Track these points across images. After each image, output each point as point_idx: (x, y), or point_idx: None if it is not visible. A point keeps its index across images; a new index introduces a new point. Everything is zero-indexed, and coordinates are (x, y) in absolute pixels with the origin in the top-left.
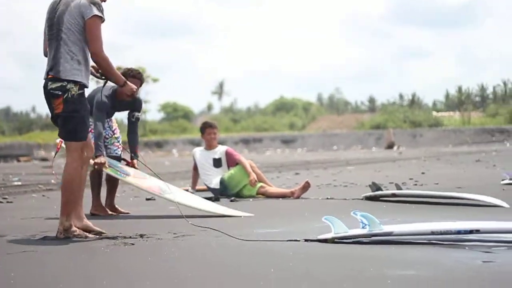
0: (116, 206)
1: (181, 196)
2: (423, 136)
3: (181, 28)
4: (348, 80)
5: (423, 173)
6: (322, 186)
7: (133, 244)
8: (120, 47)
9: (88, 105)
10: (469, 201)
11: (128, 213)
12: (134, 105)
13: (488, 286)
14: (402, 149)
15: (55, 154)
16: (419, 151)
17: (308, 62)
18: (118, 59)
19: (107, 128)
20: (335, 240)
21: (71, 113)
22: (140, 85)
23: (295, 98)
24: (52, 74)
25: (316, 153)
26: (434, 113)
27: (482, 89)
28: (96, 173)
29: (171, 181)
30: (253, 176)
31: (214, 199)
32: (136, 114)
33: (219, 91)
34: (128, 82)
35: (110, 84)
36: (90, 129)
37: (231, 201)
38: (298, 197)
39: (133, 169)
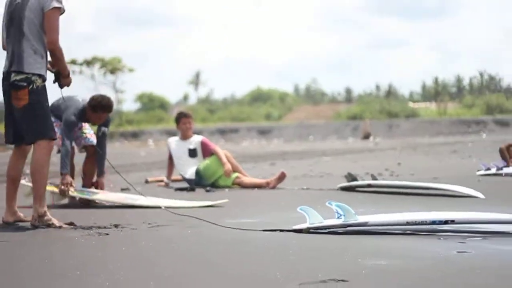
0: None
1: (155, 200)
2: (399, 127)
3: (157, 18)
4: (324, 71)
5: (399, 163)
6: (298, 177)
7: (107, 234)
8: (96, 37)
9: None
10: (445, 191)
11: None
12: (104, 122)
13: (463, 276)
14: (378, 139)
15: None
16: (395, 142)
17: (285, 53)
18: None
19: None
20: (310, 230)
21: (36, 104)
22: (110, 112)
23: (272, 89)
24: (15, 69)
25: (292, 143)
26: (411, 104)
27: (459, 80)
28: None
29: (147, 171)
30: (228, 166)
31: (190, 189)
32: (103, 129)
33: (196, 81)
34: (71, 74)
35: (75, 102)
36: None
37: (207, 191)
38: (273, 187)
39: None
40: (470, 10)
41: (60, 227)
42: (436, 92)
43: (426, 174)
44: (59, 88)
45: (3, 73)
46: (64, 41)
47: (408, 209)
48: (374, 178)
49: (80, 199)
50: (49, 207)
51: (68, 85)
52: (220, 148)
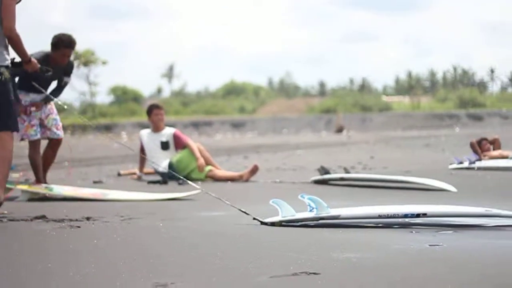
0: None
1: (124, 194)
2: (372, 121)
3: (131, 10)
4: (298, 64)
5: (372, 157)
6: (271, 170)
7: (79, 227)
8: (69, 29)
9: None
10: (417, 185)
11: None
12: (66, 68)
13: (434, 269)
14: (352, 133)
15: None
16: (369, 136)
17: (259, 46)
18: None
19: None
20: (283, 223)
21: (1, 96)
22: (73, 49)
23: (246, 82)
24: None
25: (266, 137)
26: (384, 97)
27: (432, 74)
28: None
29: (120, 164)
30: (201, 161)
31: (162, 182)
32: (66, 79)
33: (169, 74)
34: (32, 59)
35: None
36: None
37: (179, 184)
38: (246, 180)
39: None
40: (444, 4)
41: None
42: (409, 86)
43: (399, 167)
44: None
45: None
46: (36, 33)
47: (381, 202)
48: (347, 171)
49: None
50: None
51: (32, 70)
52: (194, 141)
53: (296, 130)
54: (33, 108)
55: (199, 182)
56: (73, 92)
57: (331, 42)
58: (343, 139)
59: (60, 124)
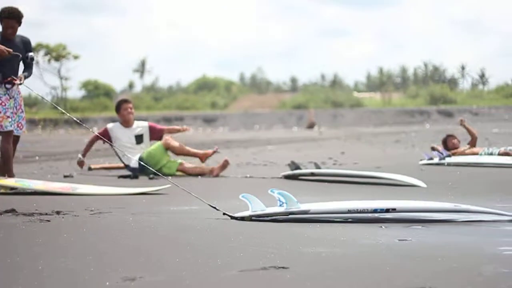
0: None
1: (94, 189)
2: (344, 117)
3: (104, 5)
4: (270, 60)
5: (342, 153)
6: (242, 165)
7: (49, 221)
8: (41, 24)
9: None
10: (387, 180)
11: None
12: (24, 44)
13: (403, 264)
14: (323, 129)
15: None
16: (340, 131)
17: (230, 41)
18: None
19: (16, 102)
20: (252, 218)
21: None
22: (19, 23)
23: (217, 77)
24: None
25: (237, 132)
26: (355, 93)
27: (403, 70)
28: None
29: (91, 158)
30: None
31: (133, 176)
32: (30, 54)
33: (141, 69)
34: None
35: None
36: None
37: (150, 178)
38: (217, 175)
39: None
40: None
41: None
42: (380, 82)
43: (369, 163)
44: None
45: None
46: None
47: (351, 197)
48: (317, 166)
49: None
50: None
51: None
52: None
53: (267, 125)
54: (8, 85)
55: (170, 177)
56: (45, 86)
57: (303, 38)
58: (314, 135)
59: (23, 122)
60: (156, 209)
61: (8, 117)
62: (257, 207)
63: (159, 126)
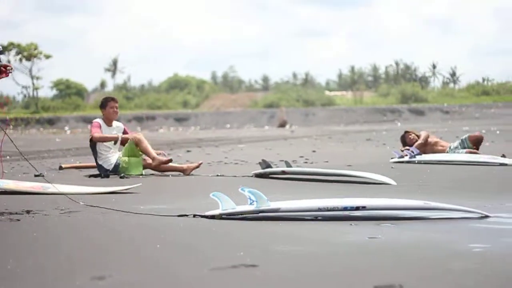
0: None
1: (65, 188)
2: (315, 115)
3: (75, 4)
4: (242, 59)
5: (314, 151)
6: (213, 164)
7: (18, 220)
8: (13, 23)
9: None
10: (358, 178)
11: None
12: None
13: (373, 261)
14: (295, 127)
15: None
16: (311, 130)
17: (203, 40)
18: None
19: None
20: (223, 216)
21: None
22: None
23: (189, 76)
24: None
25: (209, 131)
26: (327, 92)
27: (375, 69)
28: None
29: (62, 158)
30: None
31: (104, 175)
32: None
33: (113, 68)
34: None
35: None
36: None
37: (121, 177)
38: (188, 174)
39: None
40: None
41: None
42: (352, 81)
43: (340, 161)
44: None
45: None
46: None
47: (321, 195)
48: (288, 165)
49: None
50: None
51: None
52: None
53: (239, 124)
54: None
55: (140, 176)
56: (17, 86)
57: (275, 37)
58: (286, 133)
59: None
60: (126, 208)
61: None
62: (228, 205)
63: (130, 132)
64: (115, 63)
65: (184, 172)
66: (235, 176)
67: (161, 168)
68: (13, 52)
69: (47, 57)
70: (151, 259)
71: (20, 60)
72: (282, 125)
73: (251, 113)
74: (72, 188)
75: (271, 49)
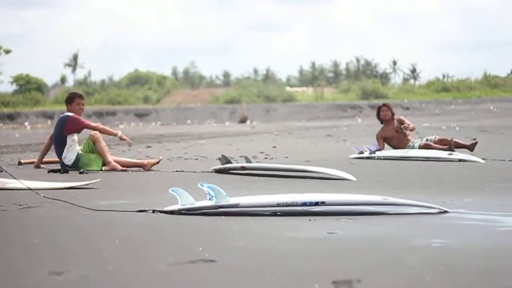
0: None
1: (24, 183)
2: (276, 111)
3: None
4: (203, 54)
5: (274, 147)
6: (173, 159)
7: None
8: None
9: None
10: (318, 174)
11: None
12: None
13: (331, 256)
14: (255, 123)
15: None
16: (272, 126)
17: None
18: None
19: None
20: (182, 211)
21: None
22: None
23: (150, 72)
24: None
25: (169, 127)
26: (288, 88)
27: (335, 65)
28: None
29: (21, 153)
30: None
31: (63, 171)
32: None
33: (73, 63)
34: None
35: None
36: None
37: (80, 173)
38: (148, 170)
39: None
40: None
41: None
42: (313, 77)
43: (300, 157)
44: None
45: None
46: None
47: (281, 191)
48: (248, 160)
49: None
50: None
51: None
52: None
53: (200, 120)
54: None
55: (100, 172)
56: None
57: (236, 32)
58: (246, 129)
59: None
60: (85, 203)
61: None
62: (187, 201)
63: None
64: (75, 58)
65: (144, 167)
66: (194, 171)
67: (121, 163)
68: None
69: (7, 52)
70: (110, 255)
71: None
72: (243, 121)
73: (212, 109)
74: (31, 183)
75: (232, 44)
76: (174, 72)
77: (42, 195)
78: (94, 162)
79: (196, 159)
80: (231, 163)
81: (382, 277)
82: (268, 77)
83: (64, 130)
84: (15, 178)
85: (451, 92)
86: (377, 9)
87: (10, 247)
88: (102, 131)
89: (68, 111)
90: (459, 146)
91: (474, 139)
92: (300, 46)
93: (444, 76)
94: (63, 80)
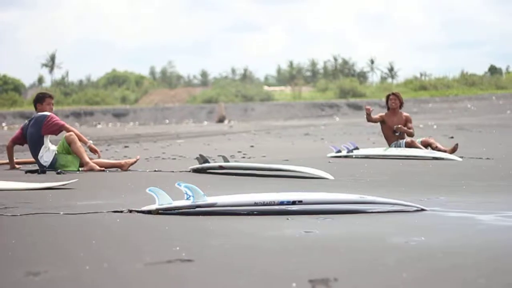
0: None
1: (0, 184)
2: (254, 110)
3: None
4: (181, 54)
5: (252, 146)
6: (151, 159)
7: None
8: None
9: None
10: (295, 173)
11: None
12: None
13: (309, 255)
14: (233, 123)
15: None
16: (250, 125)
17: (141, 35)
18: None
19: None
20: (159, 211)
21: None
22: None
23: (128, 72)
24: None
25: (147, 126)
26: (266, 87)
27: (313, 64)
28: None
29: None
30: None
31: (40, 171)
32: None
33: (50, 64)
34: None
35: None
36: None
37: (57, 173)
38: (126, 170)
39: None
40: None
41: None
42: (291, 76)
43: (278, 156)
44: None
45: None
46: None
47: (258, 190)
48: (225, 160)
49: None
50: None
51: None
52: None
53: (178, 120)
54: None
55: (77, 172)
56: None
57: (214, 31)
58: (224, 128)
59: None
60: (62, 203)
61: None
62: (164, 200)
63: None
64: (52, 58)
65: (122, 167)
66: (172, 171)
67: (99, 164)
68: None
69: None
70: (87, 255)
71: None
72: (221, 120)
73: (190, 109)
74: (7, 184)
75: (210, 44)
76: (152, 72)
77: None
78: (72, 163)
79: (174, 158)
80: (208, 162)
81: (359, 275)
82: (246, 77)
83: (42, 130)
84: None
85: (429, 91)
86: (354, 8)
87: None
88: (80, 138)
89: (38, 111)
90: (440, 151)
91: (452, 137)
92: (278, 45)
93: (421, 75)
94: (40, 80)
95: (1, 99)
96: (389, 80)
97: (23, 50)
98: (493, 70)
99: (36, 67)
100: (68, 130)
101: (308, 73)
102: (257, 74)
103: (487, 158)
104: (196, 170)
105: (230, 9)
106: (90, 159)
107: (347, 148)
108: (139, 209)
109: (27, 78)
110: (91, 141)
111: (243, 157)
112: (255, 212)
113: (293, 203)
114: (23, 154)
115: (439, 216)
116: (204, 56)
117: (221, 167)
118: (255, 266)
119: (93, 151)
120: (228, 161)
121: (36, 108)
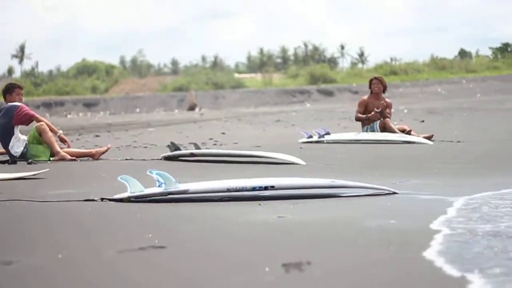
0: None
1: None
2: (225, 98)
3: None
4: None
5: (223, 133)
6: (122, 148)
7: None
8: None
9: None
10: (267, 159)
11: None
12: None
13: (281, 240)
14: (204, 110)
15: None
16: (221, 112)
17: (110, 24)
18: None
19: None
20: (131, 199)
21: None
22: None
23: (98, 61)
24: None
25: (118, 116)
26: (236, 74)
27: (284, 50)
28: None
29: None
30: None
31: (11, 162)
32: None
33: (20, 54)
34: None
35: None
36: None
37: (28, 163)
38: (97, 159)
39: None
40: None
41: None
42: (261, 63)
43: (249, 142)
44: None
45: None
46: None
47: (231, 177)
48: (197, 147)
49: None
50: None
51: None
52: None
53: (148, 108)
54: None
55: (48, 162)
56: None
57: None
58: (195, 116)
59: None
60: (34, 193)
61: None
62: (136, 188)
63: None
64: (22, 49)
65: (93, 156)
66: (144, 159)
67: (70, 153)
68: None
69: None
70: (59, 244)
71: None
72: (192, 108)
73: (161, 97)
74: None
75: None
76: (122, 61)
77: None
78: (43, 153)
79: (145, 147)
80: (180, 150)
81: (331, 258)
82: (216, 64)
83: (13, 120)
84: None
85: (399, 75)
86: None
87: None
88: (50, 128)
89: (8, 101)
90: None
91: (423, 121)
92: (248, 32)
93: (391, 60)
94: (10, 71)
95: None
96: (360, 65)
97: None
98: (463, 54)
99: (6, 58)
100: (38, 121)
101: (279, 60)
102: (228, 61)
103: (458, 141)
104: (168, 158)
105: None
106: (61, 148)
107: (318, 134)
108: (111, 198)
109: None
110: (61, 131)
111: (215, 144)
112: (227, 198)
113: (265, 188)
114: None
115: (410, 199)
116: (174, 44)
117: (192, 155)
118: (228, 252)
119: (62, 141)
120: (199, 149)
121: (5, 99)
